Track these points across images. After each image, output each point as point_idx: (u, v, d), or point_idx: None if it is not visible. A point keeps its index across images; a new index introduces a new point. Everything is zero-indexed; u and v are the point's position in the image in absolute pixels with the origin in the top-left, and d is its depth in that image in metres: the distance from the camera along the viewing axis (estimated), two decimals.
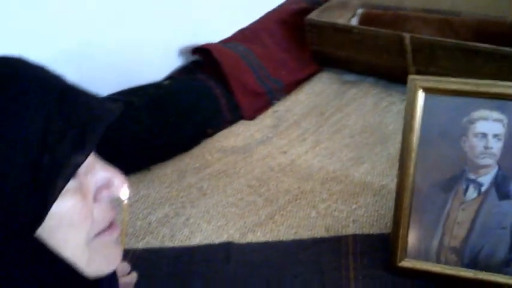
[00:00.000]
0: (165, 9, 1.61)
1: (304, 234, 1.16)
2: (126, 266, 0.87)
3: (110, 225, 0.57)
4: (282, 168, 1.37)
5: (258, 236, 1.17)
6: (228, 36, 1.79)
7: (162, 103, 1.49)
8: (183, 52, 1.70)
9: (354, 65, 1.74)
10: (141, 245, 1.17)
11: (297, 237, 1.15)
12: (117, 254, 0.59)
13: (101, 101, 0.55)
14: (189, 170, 1.40)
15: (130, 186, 0.59)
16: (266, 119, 1.59)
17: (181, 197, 1.31)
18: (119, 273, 0.81)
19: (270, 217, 1.22)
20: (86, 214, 0.53)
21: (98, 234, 0.56)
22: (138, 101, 1.45)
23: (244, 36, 1.80)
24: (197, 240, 1.18)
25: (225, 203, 1.28)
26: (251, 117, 1.59)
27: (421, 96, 0.97)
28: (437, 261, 0.98)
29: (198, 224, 1.22)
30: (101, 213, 0.55)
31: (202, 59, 1.68)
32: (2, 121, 0.48)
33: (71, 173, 0.50)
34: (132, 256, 1.11)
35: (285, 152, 1.43)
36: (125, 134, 1.35)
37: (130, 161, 1.38)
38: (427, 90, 0.97)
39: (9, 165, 0.47)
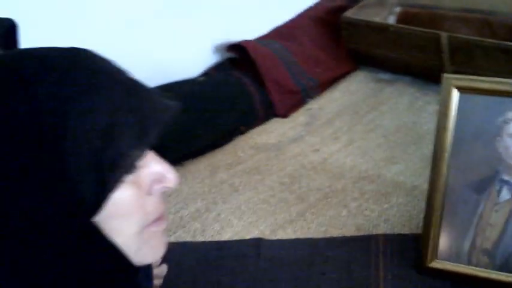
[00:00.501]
0: (200, 7, 1.62)
1: (335, 232, 1.16)
2: None
3: (159, 217, 0.59)
4: (313, 166, 1.37)
5: (289, 232, 1.18)
6: (263, 34, 1.79)
7: (196, 99, 1.50)
8: (218, 49, 1.71)
9: (390, 63, 1.72)
10: (172, 238, 1.18)
11: (327, 235, 1.15)
12: (163, 245, 0.61)
13: (162, 97, 0.58)
14: (222, 166, 1.41)
15: None
16: (299, 116, 1.59)
17: (213, 193, 1.32)
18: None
19: (300, 214, 1.22)
20: (140, 205, 0.56)
21: (148, 225, 0.57)
22: (172, 96, 1.47)
23: (279, 33, 1.80)
24: (228, 235, 1.19)
25: (257, 199, 1.29)
26: (284, 115, 1.59)
27: (455, 95, 0.96)
28: (469, 263, 0.97)
29: (229, 220, 1.23)
30: (153, 206, 0.57)
31: (237, 56, 1.69)
32: (72, 111, 0.50)
33: (131, 165, 0.53)
34: None
35: (318, 150, 1.43)
36: None
37: (164, 156, 1.40)
38: (461, 89, 0.96)
39: (74, 152, 0.49)
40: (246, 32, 1.73)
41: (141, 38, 1.49)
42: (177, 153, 1.44)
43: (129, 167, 0.53)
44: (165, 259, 0.89)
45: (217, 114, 1.50)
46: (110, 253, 0.54)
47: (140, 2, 1.47)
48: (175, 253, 1.13)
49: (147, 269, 0.70)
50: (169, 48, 1.58)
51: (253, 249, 1.13)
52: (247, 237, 1.17)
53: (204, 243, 1.17)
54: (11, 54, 0.56)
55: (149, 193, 0.57)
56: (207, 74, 1.68)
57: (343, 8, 1.79)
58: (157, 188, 0.58)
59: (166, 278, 0.89)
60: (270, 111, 1.59)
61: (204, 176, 1.38)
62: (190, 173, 1.40)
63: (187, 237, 1.19)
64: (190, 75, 1.63)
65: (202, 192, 1.33)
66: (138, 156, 0.54)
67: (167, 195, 1.31)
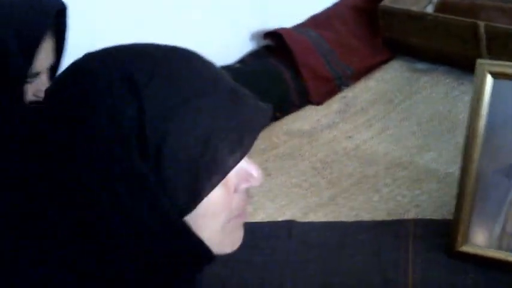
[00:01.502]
0: None
1: (365, 216, 1.17)
2: None
3: (241, 212, 0.60)
4: (346, 152, 1.39)
5: (320, 216, 1.20)
6: (300, 22, 1.80)
7: None
8: (254, 36, 1.73)
9: (427, 53, 1.71)
10: None
11: (358, 219, 1.17)
12: (241, 236, 0.62)
13: (257, 102, 0.58)
14: (255, 151, 1.43)
15: None
16: (334, 104, 1.59)
17: None
18: None
19: (332, 199, 1.24)
20: (227, 204, 0.57)
21: (231, 219, 0.59)
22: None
23: (316, 22, 1.80)
24: (260, 217, 1.21)
25: (289, 183, 1.31)
26: (319, 102, 1.60)
27: (489, 81, 0.96)
28: (499, 247, 0.97)
29: (262, 202, 1.26)
30: (238, 203, 0.59)
31: (274, 44, 1.71)
32: (175, 117, 0.51)
33: (226, 172, 0.54)
34: None
35: (351, 137, 1.44)
36: None
37: None
38: (495, 75, 0.96)
39: (173, 158, 0.51)
40: (283, 20, 1.74)
41: (180, 24, 1.52)
42: None
43: (224, 174, 0.54)
44: None
45: None
46: (197, 248, 0.56)
47: None
48: None
49: None
50: (207, 35, 1.60)
51: (285, 230, 1.15)
52: (279, 219, 1.20)
53: None
54: (121, 51, 0.57)
55: (235, 191, 0.58)
56: (243, 61, 1.70)
57: None
58: (244, 186, 0.58)
59: None
60: (305, 99, 1.60)
61: None
62: None
63: None
64: (227, 62, 1.65)
65: None
66: (234, 164, 0.54)
67: None
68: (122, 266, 0.55)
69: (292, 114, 1.57)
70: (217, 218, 0.56)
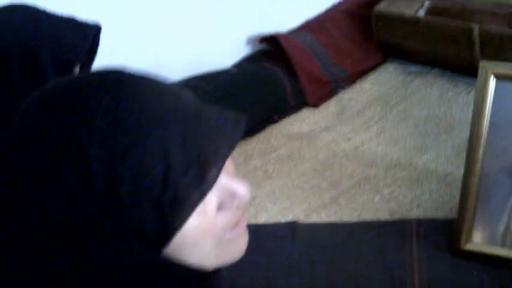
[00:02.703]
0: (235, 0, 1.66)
1: (368, 217, 1.19)
2: None
3: (235, 225, 0.58)
4: (345, 154, 1.40)
5: (322, 217, 1.21)
6: (295, 27, 1.82)
7: (230, 89, 1.54)
8: (251, 41, 1.74)
9: (420, 56, 1.73)
10: None
11: (361, 219, 1.18)
12: (242, 246, 0.60)
13: (222, 121, 0.55)
14: (255, 154, 1.45)
15: None
16: (330, 106, 1.61)
17: (247, 178, 1.35)
18: None
19: (334, 200, 1.25)
20: (209, 229, 0.54)
21: (224, 236, 0.57)
22: (208, 86, 1.51)
23: (311, 26, 1.82)
24: (263, 219, 1.22)
25: (290, 185, 1.32)
26: (315, 105, 1.62)
27: (492, 82, 0.98)
28: (502, 245, 0.99)
29: (264, 204, 1.26)
30: (226, 220, 0.56)
31: (270, 48, 1.72)
32: (124, 163, 0.49)
33: (193, 207, 0.51)
34: None
35: (349, 139, 1.46)
36: None
37: None
38: (498, 76, 0.98)
39: (135, 200, 0.49)
40: (278, 25, 1.76)
41: (176, 29, 1.53)
42: None
43: (191, 210, 0.51)
44: None
45: (250, 104, 1.53)
46: (184, 275, 0.54)
47: None
48: None
49: None
50: (204, 39, 1.61)
51: (289, 231, 1.16)
52: (282, 221, 1.21)
53: None
54: (57, 101, 0.53)
55: (220, 210, 0.55)
56: (240, 65, 1.71)
57: (374, 2, 1.81)
58: (229, 205, 0.56)
59: None
60: (302, 102, 1.62)
61: (237, 163, 1.41)
62: None
63: None
64: (223, 66, 1.66)
65: None
66: (200, 197, 0.51)
67: None
68: None
69: (290, 117, 1.58)
70: (201, 243, 0.54)
